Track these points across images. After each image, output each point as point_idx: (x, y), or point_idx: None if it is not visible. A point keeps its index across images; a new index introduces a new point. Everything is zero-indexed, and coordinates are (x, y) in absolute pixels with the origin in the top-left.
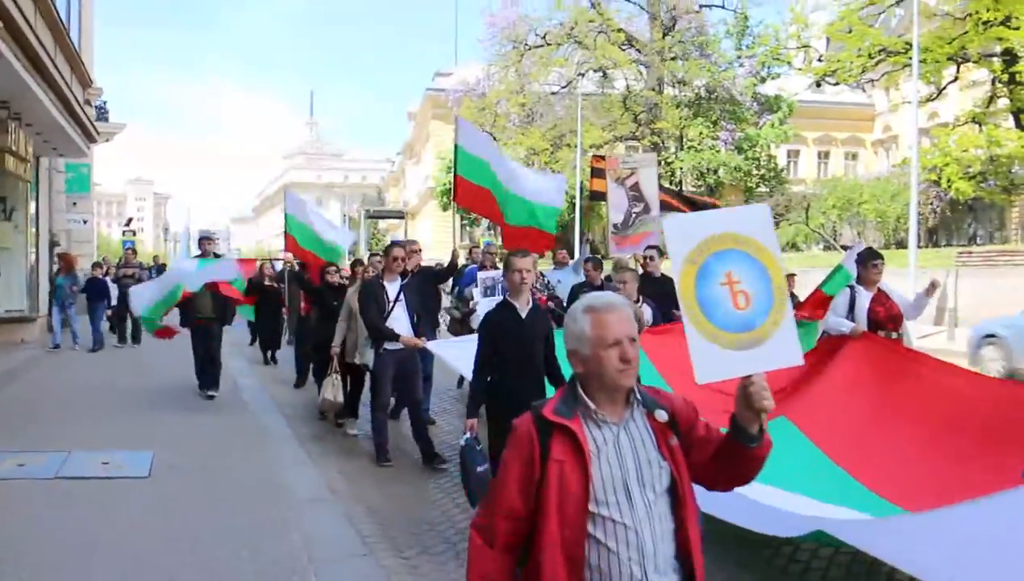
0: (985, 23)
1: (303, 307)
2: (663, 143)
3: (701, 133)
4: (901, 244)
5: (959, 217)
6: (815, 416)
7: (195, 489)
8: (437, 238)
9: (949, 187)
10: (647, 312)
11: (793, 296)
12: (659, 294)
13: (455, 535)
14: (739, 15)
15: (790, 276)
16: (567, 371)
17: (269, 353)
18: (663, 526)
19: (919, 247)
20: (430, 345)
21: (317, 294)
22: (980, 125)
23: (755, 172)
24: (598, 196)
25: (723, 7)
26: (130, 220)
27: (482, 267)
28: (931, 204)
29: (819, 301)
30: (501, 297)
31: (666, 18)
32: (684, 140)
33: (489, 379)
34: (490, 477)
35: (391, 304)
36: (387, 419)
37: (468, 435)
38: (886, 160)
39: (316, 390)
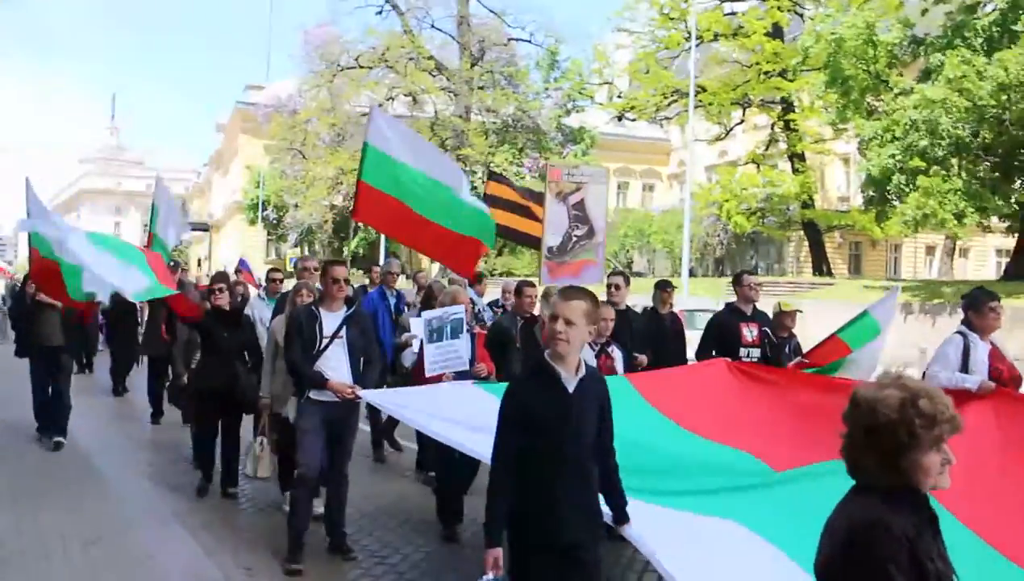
0: (766, 73)
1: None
2: (469, 169)
3: (507, 160)
4: (690, 272)
5: (743, 249)
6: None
7: None
8: (243, 254)
9: (729, 221)
10: (618, 358)
11: (792, 335)
12: (626, 331)
13: None
14: (548, 49)
15: (793, 312)
16: (630, 461)
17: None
18: None
19: (703, 276)
20: (367, 394)
21: (199, 323)
22: (758, 166)
23: None
24: (507, 233)
25: (530, 41)
26: None
27: (383, 293)
28: (718, 236)
29: (835, 350)
30: (460, 342)
31: (475, 49)
32: (490, 167)
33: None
34: None
35: (326, 340)
36: (310, 496)
37: (491, 575)
38: (679, 193)
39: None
